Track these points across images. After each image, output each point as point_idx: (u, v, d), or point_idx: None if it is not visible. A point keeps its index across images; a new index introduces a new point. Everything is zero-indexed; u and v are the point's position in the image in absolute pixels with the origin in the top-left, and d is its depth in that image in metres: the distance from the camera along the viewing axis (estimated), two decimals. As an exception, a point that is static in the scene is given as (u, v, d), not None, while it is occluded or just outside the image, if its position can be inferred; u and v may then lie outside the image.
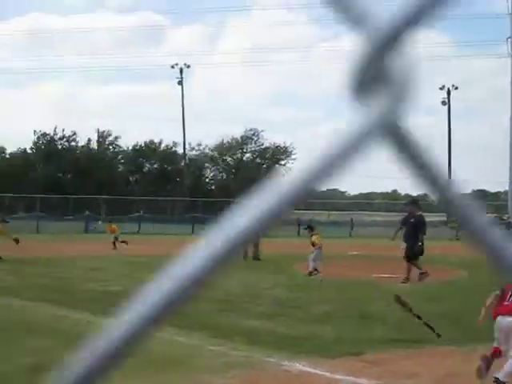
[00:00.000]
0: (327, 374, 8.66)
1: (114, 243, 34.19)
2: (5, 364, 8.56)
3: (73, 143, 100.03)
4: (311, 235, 23.78)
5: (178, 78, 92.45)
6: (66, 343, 9.91)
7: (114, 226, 37.11)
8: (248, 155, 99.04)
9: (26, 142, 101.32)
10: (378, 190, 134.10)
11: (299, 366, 9.01)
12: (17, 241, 27.26)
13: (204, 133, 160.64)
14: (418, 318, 10.96)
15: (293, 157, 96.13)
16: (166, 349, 9.85)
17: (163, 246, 35.67)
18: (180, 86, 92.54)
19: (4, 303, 14.27)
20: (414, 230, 20.56)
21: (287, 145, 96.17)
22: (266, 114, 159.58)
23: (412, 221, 20.78)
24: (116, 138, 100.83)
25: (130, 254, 28.82)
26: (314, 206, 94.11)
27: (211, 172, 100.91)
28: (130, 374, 8.23)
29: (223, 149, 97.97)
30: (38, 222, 52.10)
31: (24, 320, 11.98)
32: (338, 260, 28.09)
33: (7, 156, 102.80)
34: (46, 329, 11.14)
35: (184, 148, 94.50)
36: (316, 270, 21.64)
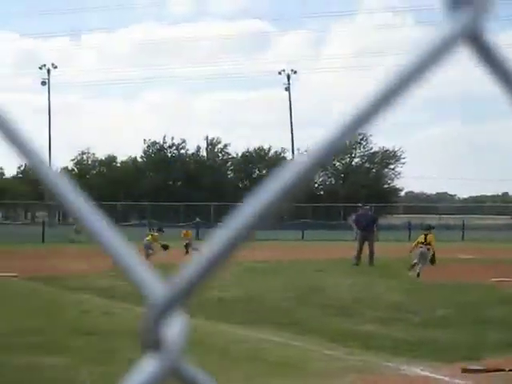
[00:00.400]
0: (446, 379, 8.55)
1: (187, 248, 33.98)
2: (130, 366, 8.76)
3: (182, 151, 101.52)
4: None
5: (284, 84, 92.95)
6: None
7: (188, 231, 37.14)
8: (357, 160, 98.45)
9: (137, 151, 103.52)
10: (489, 193, 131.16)
11: (417, 370, 8.92)
12: (165, 247, 30.70)
13: (312, 138, 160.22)
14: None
15: (402, 161, 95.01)
16: (283, 353, 9.93)
17: (275, 251, 35.95)
18: (287, 92, 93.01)
19: (121, 308, 14.58)
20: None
21: (396, 149, 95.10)
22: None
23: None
24: (225, 145, 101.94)
25: (245, 260, 29.07)
26: (425, 210, 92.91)
27: (320, 177, 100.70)
28: (249, 377, 8.35)
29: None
30: (149, 229, 53.00)
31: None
32: (453, 264, 27.64)
33: (118, 165, 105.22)
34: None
35: (293, 154, 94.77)
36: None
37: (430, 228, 26.28)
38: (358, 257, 26.79)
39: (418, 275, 22.22)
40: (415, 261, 23.35)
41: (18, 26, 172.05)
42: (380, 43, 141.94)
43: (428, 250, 23.71)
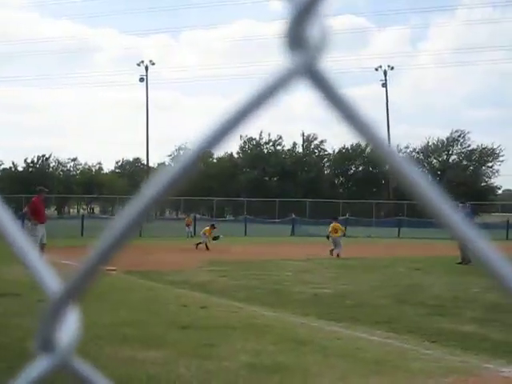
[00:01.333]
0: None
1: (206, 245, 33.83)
2: (227, 361, 8.87)
3: (278, 147, 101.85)
4: None
5: (381, 80, 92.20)
6: (277, 344, 10.18)
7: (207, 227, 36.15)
8: (454, 157, 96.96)
9: (233, 147, 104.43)
10: None
11: (518, 373, 8.73)
12: (215, 238, 34.52)
13: (409, 134, 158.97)
14: None
15: (500, 159, 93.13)
16: (380, 352, 9.86)
17: (372, 248, 35.81)
18: (384, 88, 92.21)
19: (218, 303, 14.75)
20: None
21: (495, 146, 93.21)
22: (471, 114, 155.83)
23: None
24: (321, 141, 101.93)
25: (341, 257, 29.05)
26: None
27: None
28: (346, 376, 8.33)
29: (428, 150, 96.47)
30: (245, 225, 53.37)
31: (239, 320, 12.34)
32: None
33: (215, 160, 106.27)
34: (258, 329, 11.42)
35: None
36: None
37: None
38: (463, 255, 26.28)
39: None
40: None
41: (119, 23, 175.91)
42: (479, 38, 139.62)
43: None
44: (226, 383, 7.79)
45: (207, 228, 35.35)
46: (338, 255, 29.91)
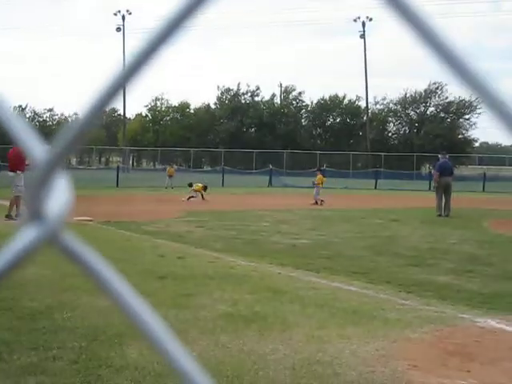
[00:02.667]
0: (521, 332, 8.43)
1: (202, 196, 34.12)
2: (205, 311, 8.89)
3: (256, 98, 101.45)
4: None
5: (360, 31, 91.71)
6: (255, 293, 10.20)
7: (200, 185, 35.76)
8: (432, 109, 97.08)
9: (210, 98, 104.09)
10: None
11: (493, 322, 8.80)
12: (205, 188, 34.50)
13: (388, 86, 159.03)
14: None
15: (478, 111, 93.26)
16: (356, 302, 9.92)
17: (346, 200, 35.90)
18: (362, 40, 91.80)
19: (195, 253, 14.75)
20: None
21: (472, 99, 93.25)
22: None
23: None
24: (300, 93, 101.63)
25: (313, 208, 29.11)
26: (499, 161, 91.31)
27: (394, 126, 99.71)
28: (323, 325, 8.36)
29: (406, 102, 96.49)
30: (223, 176, 53.27)
31: (216, 270, 12.35)
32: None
33: (192, 111, 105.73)
34: (236, 279, 11.43)
35: (367, 102, 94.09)
36: None
37: None
38: (441, 206, 26.42)
39: None
40: None
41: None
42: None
43: None
44: (203, 333, 7.80)
45: (199, 185, 35.03)
46: (321, 202, 31.82)
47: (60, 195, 0.70)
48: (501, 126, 0.60)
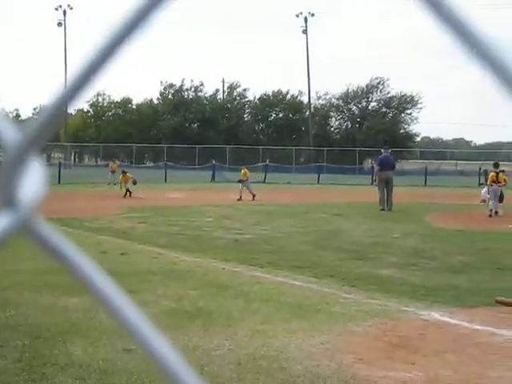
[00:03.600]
0: (465, 324, 8.51)
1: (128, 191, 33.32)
2: (148, 307, 8.80)
3: (200, 93, 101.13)
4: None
5: (302, 26, 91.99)
6: (199, 289, 10.15)
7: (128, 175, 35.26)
8: (373, 104, 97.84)
9: (153, 93, 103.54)
10: (505, 140, 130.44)
11: (436, 315, 8.89)
12: (135, 182, 34.04)
13: (331, 82, 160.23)
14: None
15: (419, 106, 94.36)
16: (300, 296, 9.93)
17: (289, 195, 36.01)
18: (305, 35, 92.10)
19: (138, 249, 14.64)
20: None
21: (414, 94, 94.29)
22: (392, 62, 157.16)
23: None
24: (245, 89, 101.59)
25: (256, 203, 29.11)
26: (441, 156, 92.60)
27: (336, 121, 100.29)
28: (268, 320, 8.35)
29: (348, 97, 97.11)
30: (165, 171, 52.96)
31: (160, 266, 12.27)
32: (469, 210, 27.61)
33: (134, 106, 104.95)
34: (180, 275, 11.37)
35: (309, 97, 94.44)
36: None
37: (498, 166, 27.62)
38: (384, 201, 26.60)
39: (496, 213, 24.41)
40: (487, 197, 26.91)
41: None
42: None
43: (499, 187, 25.53)
44: (147, 329, 7.71)
45: (121, 176, 35.05)
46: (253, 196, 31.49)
47: (33, 182, 0.66)
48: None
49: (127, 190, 32.99)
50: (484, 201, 30.54)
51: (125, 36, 0.63)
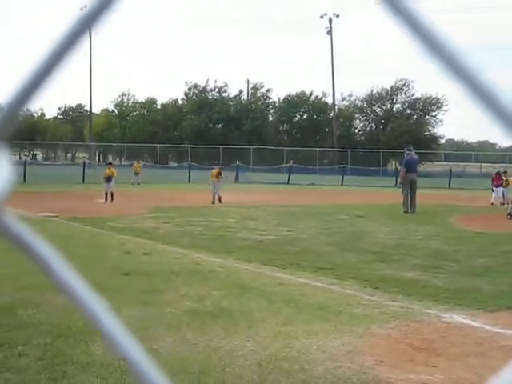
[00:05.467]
0: (487, 327, 8.47)
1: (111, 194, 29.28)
2: (170, 307, 8.84)
3: (224, 94, 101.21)
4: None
5: (327, 28, 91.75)
6: (221, 289, 10.16)
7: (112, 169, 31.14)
8: (398, 106, 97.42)
9: (178, 93, 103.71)
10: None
11: (459, 318, 8.85)
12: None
13: (355, 83, 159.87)
14: None
15: (444, 108, 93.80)
16: (323, 297, 9.92)
17: (314, 196, 35.96)
18: (329, 36, 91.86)
19: (161, 249, 14.69)
20: None
21: (439, 96, 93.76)
22: (418, 64, 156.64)
23: None
24: (268, 90, 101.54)
25: (280, 204, 29.08)
26: (466, 158, 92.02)
27: (360, 122, 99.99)
28: (290, 321, 8.35)
29: (372, 99, 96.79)
30: (189, 172, 53.00)
31: (183, 267, 12.30)
32: (493, 213, 27.46)
33: (158, 107, 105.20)
34: (202, 275, 11.40)
35: (333, 98, 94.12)
36: None
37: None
38: (407, 203, 26.47)
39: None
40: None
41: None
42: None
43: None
44: (169, 329, 7.75)
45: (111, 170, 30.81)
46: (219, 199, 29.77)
47: (1, 170, 0.67)
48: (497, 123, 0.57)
49: (109, 195, 29.24)
50: (492, 204, 30.81)
51: (74, 38, 0.63)
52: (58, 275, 0.68)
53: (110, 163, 33.67)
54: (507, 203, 29.56)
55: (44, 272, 0.68)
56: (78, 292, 0.68)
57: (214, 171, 31.35)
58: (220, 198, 29.87)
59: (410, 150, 28.36)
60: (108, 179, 29.56)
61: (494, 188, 32.14)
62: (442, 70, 0.58)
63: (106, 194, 29.06)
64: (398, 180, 30.60)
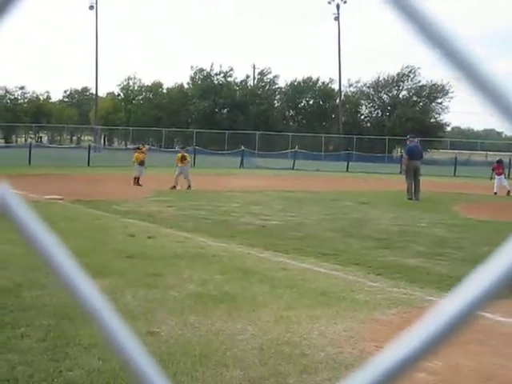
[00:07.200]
0: (488, 315, 8.47)
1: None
2: (174, 291, 8.87)
3: (229, 79, 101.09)
4: None
5: (334, 14, 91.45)
6: (224, 273, 10.19)
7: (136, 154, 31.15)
8: (404, 93, 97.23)
9: (184, 77, 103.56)
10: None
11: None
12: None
13: (362, 69, 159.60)
14: None
15: (450, 95, 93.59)
16: (325, 283, 9.95)
17: (319, 182, 35.94)
18: (336, 22, 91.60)
19: (165, 233, 14.72)
20: None
21: (444, 83, 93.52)
22: (424, 50, 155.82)
23: None
24: (275, 76, 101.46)
25: (284, 190, 29.06)
26: (472, 146, 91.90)
27: (367, 109, 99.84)
28: (292, 306, 8.37)
29: (379, 86, 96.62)
30: (194, 156, 52.99)
31: (186, 250, 12.33)
32: (498, 201, 27.46)
33: (164, 91, 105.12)
34: (206, 259, 11.43)
35: (340, 84, 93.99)
36: None
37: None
38: (411, 190, 26.47)
39: None
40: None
41: None
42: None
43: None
44: (172, 312, 7.78)
45: (136, 154, 31.06)
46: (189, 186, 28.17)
47: None
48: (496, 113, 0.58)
49: (136, 179, 29.35)
50: (496, 193, 30.84)
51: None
52: (56, 262, 0.69)
53: (139, 148, 32.62)
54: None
55: (43, 259, 0.69)
56: (76, 283, 0.69)
57: (179, 155, 29.59)
58: (190, 184, 28.13)
59: (412, 137, 28.33)
60: (141, 163, 29.69)
61: (496, 176, 32.10)
62: (443, 59, 0.59)
63: (138, 178, 29.25)
64: (403, 167, 30.59)
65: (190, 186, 28.06)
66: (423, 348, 0.56)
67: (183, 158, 29.39)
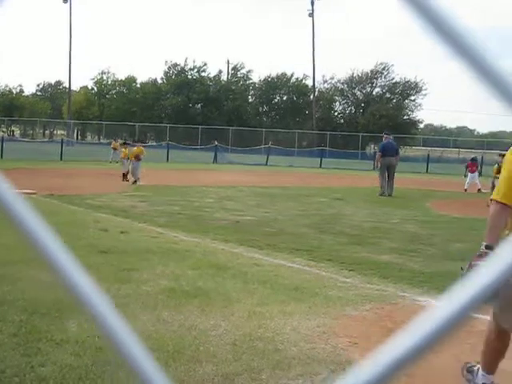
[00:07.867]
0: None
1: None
2: (146, 286, 8.84)
3: (203, 74, 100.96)
4: None
5: (308, 10, 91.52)
6: (198, 269, 10.17)
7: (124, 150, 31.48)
8: (377, 89, 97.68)
9: (157, 72, 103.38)
10: (508, 129, 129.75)
11: (434, 301, 8.90)
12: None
13: (337, 66, 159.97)
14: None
15: (423, 92, 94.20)
16: (298, 279, 9.95)
17: (291, 177, 35.99)
18: (311, 18, 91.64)
19: (138, 228, 14.67)
20: None
21: (418, 80, 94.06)
22: (398, 47, 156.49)
23: None
24: (249, 71, 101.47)
25: (258, 186, 29.08)
26: (444, 143, 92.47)
27: (340, 105, 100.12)
28: (264, 302, 8.37)
29: (353, 82, 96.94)
30: (168, 151, 52.92)
31: (159, 245, 12.29)
32: (470, 198, 27.63)
33: (138, 85, 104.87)
34: (179, 255, 11.40)
35: (313, 80, 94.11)
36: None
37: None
38: (384, 186, 26.60)
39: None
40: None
41: None
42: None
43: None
44: (144, 308, 7.75)
45: (123, 150, 31.48)
46: (135, 181, 27.81)
47: None
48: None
49: (125, 175, 29.28)
50: (466, 190, 31.11)
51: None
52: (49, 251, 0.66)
53: (126, 142, 32.83)
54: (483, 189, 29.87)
55: (36, 248, 0.67)
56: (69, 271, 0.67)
57: (136, 150, 28.94)
58: (137, 179, 27.70)
59: (387, 134, 28.45)
60: (137, 158, 28.71)
61: (469, 174, 32.37)
62: (448, 49, 0.57)
63: (128, 174, 28.96)
64: (376, 164, 30.74)
65: (136, 181, 27.61)
66: (415, 350, 0.55)
67: (141, 152, 28.94)
